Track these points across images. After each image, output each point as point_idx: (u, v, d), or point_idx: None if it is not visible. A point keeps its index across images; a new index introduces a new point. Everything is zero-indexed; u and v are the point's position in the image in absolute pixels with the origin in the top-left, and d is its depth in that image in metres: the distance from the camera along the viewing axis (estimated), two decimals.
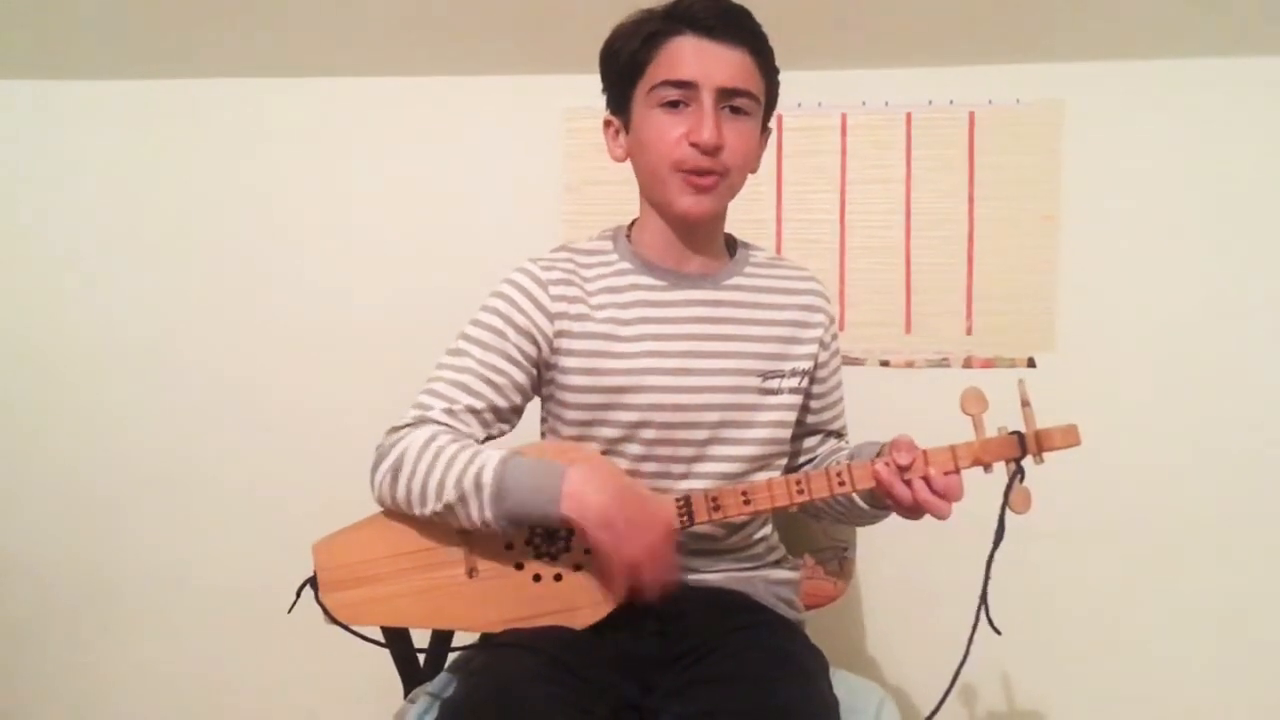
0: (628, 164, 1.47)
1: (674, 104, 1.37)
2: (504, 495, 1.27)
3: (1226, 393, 2.03)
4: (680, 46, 1.36)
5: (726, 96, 1.36)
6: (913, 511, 1.31)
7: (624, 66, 1.41)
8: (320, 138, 2.23)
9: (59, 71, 2.24)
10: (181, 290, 2.27)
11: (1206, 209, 2.03)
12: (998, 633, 1.35)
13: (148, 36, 2.15)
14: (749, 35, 1.38)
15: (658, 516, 1.31)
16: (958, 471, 1.31)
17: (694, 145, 1.35)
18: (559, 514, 1.27)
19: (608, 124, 1.48)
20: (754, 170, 1.46)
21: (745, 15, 1.39)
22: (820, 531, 1.72)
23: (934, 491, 1.29)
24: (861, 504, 1.41)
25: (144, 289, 2.28)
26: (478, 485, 1.28)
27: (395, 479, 1.34)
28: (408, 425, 1.38)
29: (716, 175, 1.38)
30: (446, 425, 1.38)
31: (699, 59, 1.35)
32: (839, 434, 1.60)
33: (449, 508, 1.30)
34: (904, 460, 1.30)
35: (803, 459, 1.57)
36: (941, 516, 1.29)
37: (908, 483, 1.29)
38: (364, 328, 2.22)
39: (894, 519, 1.42)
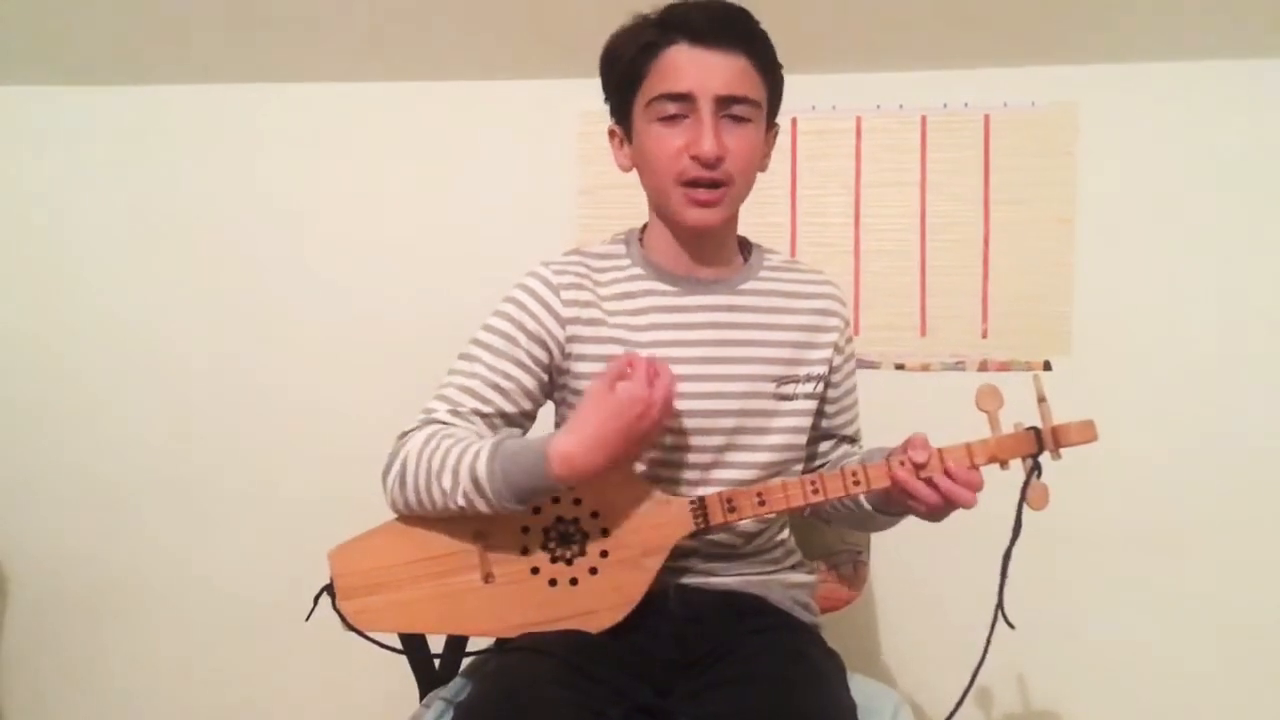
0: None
1: (672, 117, 1.35)
2: (502, 490, 1.27)
3: (1243, 394, 2.02)
4: (675, 57, 1.34)
5: (725, 104, 1.34)
6: (935, 510, 1.30)
7: (621, 77, 1.40)
8: (336, 142, 2.24)
9: (65, 78, 2.26)
10: (197, 293, 2.29)
11: (1221, 211, 2.02)
12: (1012, 627, 1.34)
13: (164, 43, 2.17)
14: (745, 39, 1.35)
15: (624, 390, 1.27)
16: (975, 469, 1.30)
17: (694, 158, 1.34)
18: (557, 485, 1.27)
19: (612, 134, 1.47)
20: (763, 170, 1.45)
21: (741, 18, 1.36)
22: (835, 535, 1.71)
23: (952, 477, 1.28)
24: (868, 507, 1.41)
25: (159, 292, 2.29)
26: (475, 484, 1.28)
27: (403, 484, 1.34)
28: (413, 429, 1.38)
29: (721, 187, 1.36)
30: (448, 425, 1.38)
31: (695, 69, 1.33)
32: (852, 439, 1.59)
33: (459, 506, 1.30)
34: (920, 458, 1.29)
35: (816, 464, 1.56)
36: (968, 505, 1.28)
37: (926, 480, 1.29)
38: (380, 331, 2.23)
39: (908, 523, 1.41)
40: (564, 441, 1.26)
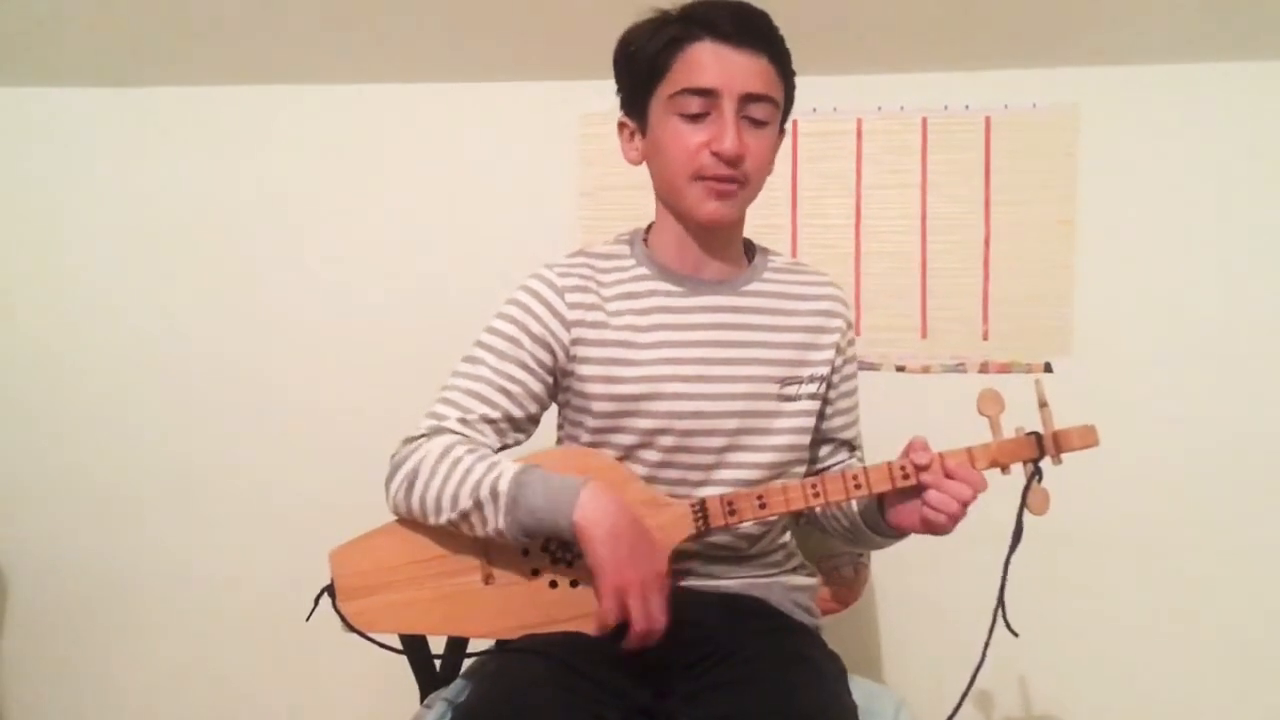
0: (643, 168, 1.46)
1: (695, 114, 1.35)
2: (518, 504, 1.27)
3: (1244, 396, 2.02)
4: (700, 53, 1.34)
5: (747, 102, 1.34)
6: (934, 517, 1.29)
7: (641, 71, 1.40)
8: (337, 144, 2.24)
9: (65, 78, 2.26)
10: (197, 294, 2.28)
11: (1222, 212, 2.02)
12: (1014, 634, 1.34)
13: (164, 44, 2.17)
14: (768, 40, 1.36)
15: (659, 557, 1.29)
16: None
17: (715, 154, 1.34)
18: (570, 522, 1.26)
19: (622, 126, 1.47)
20: (769, 172, 1.44)
21: (764, 20, 1.37)
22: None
23: (954, 478, 1.28)
24: (865, 526, 1.42)
25: (159, 293, 2.29)
26: (494, 494, 1.28)
27: (411, 489, 1.34)
28: (423, 436, 1.38)
29: (737, 183, 1.37)
30: (462, 435, 1.37)
31: (719, 66, 1.33)
32: (851, 445, 1.58)
33: (463, 516, 1.30)
34: (922, 460, 1.29)
35: (815, 468, 1.55)
36: (962, 502, 1.28)
37: (929, 482, 1.29)
38: (382, 333, 2.23)
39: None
40: (597, 495, 1.28)
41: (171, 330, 2.29)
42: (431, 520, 1.33)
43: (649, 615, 1.26)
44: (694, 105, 1.35)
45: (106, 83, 2.26)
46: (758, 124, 1.36)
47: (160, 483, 2.32)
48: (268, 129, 2.26)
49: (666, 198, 1.44)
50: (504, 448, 1.41)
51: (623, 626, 1.28)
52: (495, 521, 1.28)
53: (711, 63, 1.34)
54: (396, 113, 2.22)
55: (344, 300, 2.25)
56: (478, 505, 1.29)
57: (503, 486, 1.27)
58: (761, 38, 1.35)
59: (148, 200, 2.28)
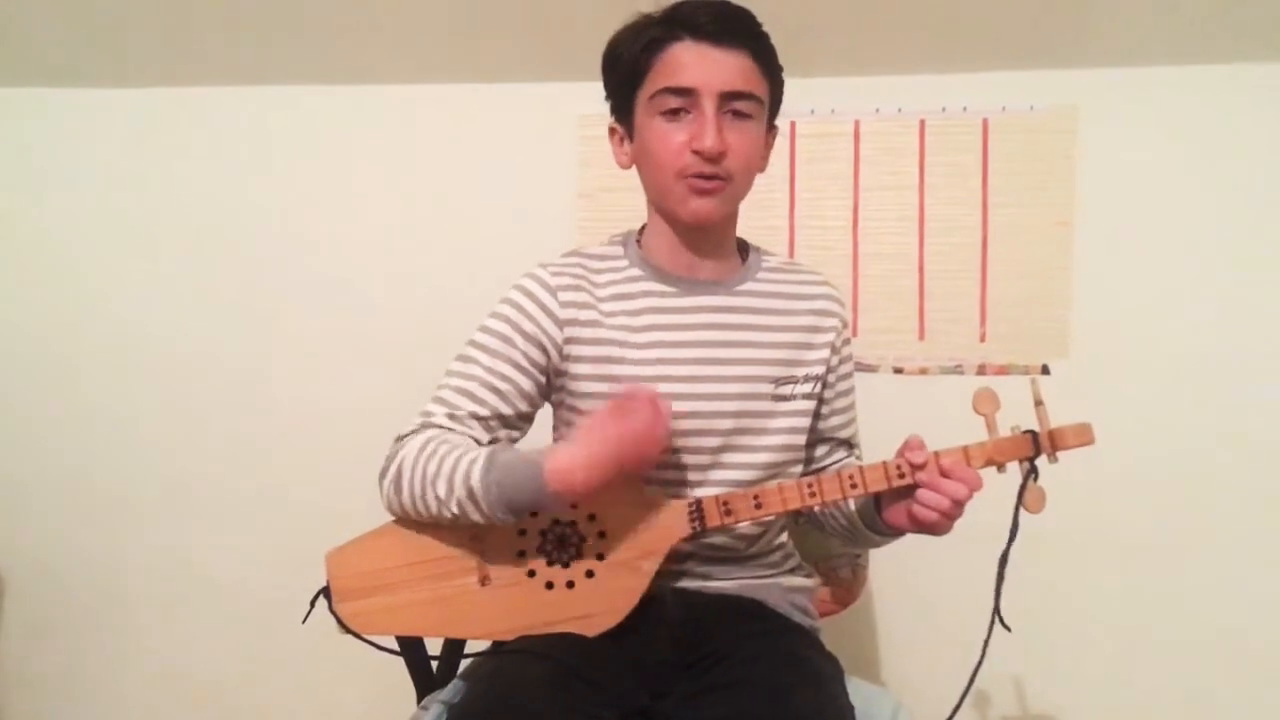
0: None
1: (675, 112, 1.36)
2: (496, 502, 1.26)
3: (1240, 398, 2.03)
4: (679, 53, 1.35)
5: (728, 100, 1.35)
6: (928, 516, 1.29)
7: (624, 74, 1.41)
8: (336, 145, 2.24)
9: (65, 79, 2.26)
10: (197, 295, 2.28)
11: (1220, 214, 2.02)
12: (1008, 630, 1.34)
13: (164, 45, 2.17)
14: (749, 38, 1.36)
15: (628, 421, 1.27)
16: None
17: (696, 152, 1.35)
18: (552, 497, 1.26)
19: (612, 131, 1.48)
20: (761, 170, 1.45)
21: (745, 17, 1.37)
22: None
23: (950, 477, 1.28)
24: (863, 526, 1.42)
25: (157, 293, 2.29)
26: (469, 491, 1.27)
27: (398, 489, 1.34)
28: (411, 432, 1.38)
29: (720, 180, 1.37)
30: (448, 430, 1.37)
31: (698, 65, 1.34)
32: (849, 444, 1.58)
33: (449, 509, 1.30)
34: (918, 459, 1.29)
35: (811, 468, 1.55)
36: (958, 501, 1.28)
37: (925, 481, 1.29)
38: (379, 333, 2.23)
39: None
40: (562, 458, 1.26)
41: (171, 330, 2.29)
42: (425, 516, 1.33)
43: (665, 438, 1.29)
44: (673, 104, 1.35)
45: (106, 83, 2.26)
46: (740, 120, 1.37)
47: (160, 483, 2.32)
48: (268, 129, 2.26)
49: (655, 199, 1.44)
50: (494, 443, 1.40)
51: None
52: (482, 515, 1.28)
53: (690, 62, 1.34)
54: (396, 113, 2.22)
55: (343, 301, 2.25)
56: (458, 500, 1.28)
57: (475, 480, 1.27)
58: (742, 35, 1.36)
59: (148, 200, 2.28)
